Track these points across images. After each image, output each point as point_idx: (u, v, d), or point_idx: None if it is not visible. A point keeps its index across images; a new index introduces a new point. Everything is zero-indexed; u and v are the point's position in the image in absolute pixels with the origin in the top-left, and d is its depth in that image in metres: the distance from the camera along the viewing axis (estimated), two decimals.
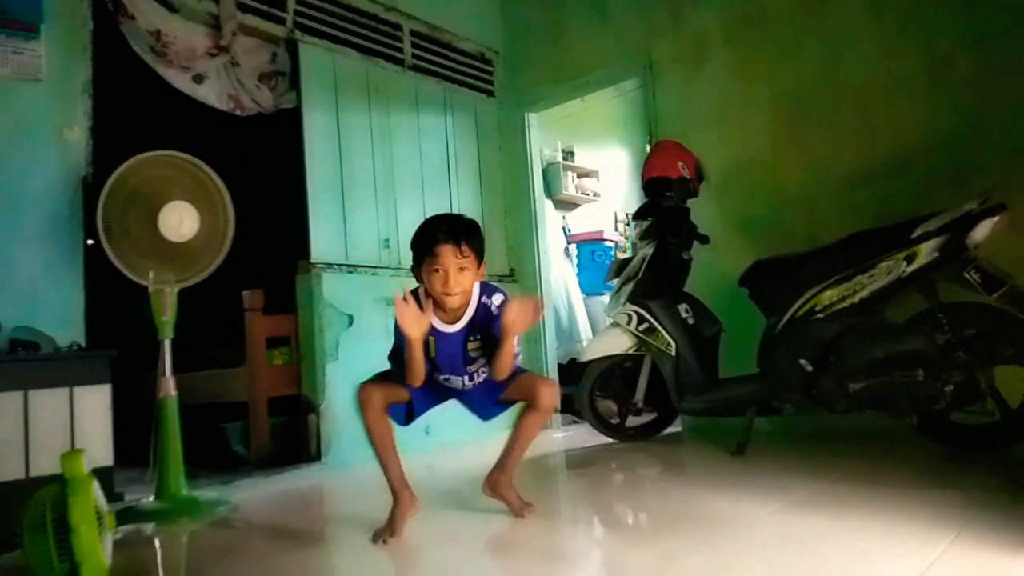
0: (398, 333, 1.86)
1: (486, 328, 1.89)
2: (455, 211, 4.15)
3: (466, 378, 2.01)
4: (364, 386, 1.96)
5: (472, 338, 1.92)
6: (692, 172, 3.27)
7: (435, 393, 2.06)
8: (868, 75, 3.23)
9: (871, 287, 2.53)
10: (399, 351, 1.90)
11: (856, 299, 2.56)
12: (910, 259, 2.45)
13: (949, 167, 2.95)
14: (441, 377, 2.02)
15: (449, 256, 1.80)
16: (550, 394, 1.95)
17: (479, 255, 1.87)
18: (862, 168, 3.21)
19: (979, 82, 2.92)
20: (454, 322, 1.92)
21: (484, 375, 2.01)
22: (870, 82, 3.22)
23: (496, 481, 2.03)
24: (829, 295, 2.62)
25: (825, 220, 3.21)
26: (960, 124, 2.96)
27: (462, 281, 1.82)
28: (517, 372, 1.99)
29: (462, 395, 2.08)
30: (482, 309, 1.90)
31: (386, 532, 1.89)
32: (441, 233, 1.82)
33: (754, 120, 3.56)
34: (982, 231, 2.35)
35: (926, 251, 2.42)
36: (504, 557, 1.70)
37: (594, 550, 1.85)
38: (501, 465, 2.04)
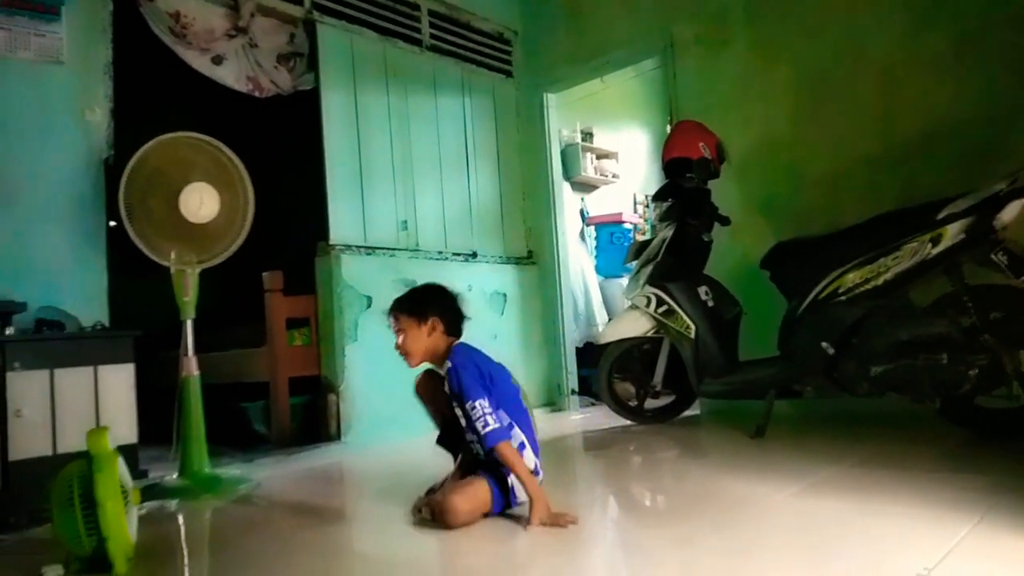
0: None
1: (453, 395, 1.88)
2: (473, 193, 4.25)
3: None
4: None
5: (455, 402, 1.90)
6: (713, 152, 3.23)
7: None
8: (894, 53, 3.16)
9: (895, 269, 2.49)
10: None
11: (880, 281, 2.53)
12: (935, 241, 2.41)
13: (976, 147, 2.89)
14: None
15: (393, 323, 1.99)
16: (443, 509, 1.80)
17: (415, 314, 1.94)
18: (886, 149, 3.15)
19: (1010, 60, 2.85)
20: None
21: (470, 436, 1.93)
22: (896, 61, 3.15)
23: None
24: (852, 277, 2.59)
25: (848, 201, 3.16)
26: (989, 103, 2.90)
27: (404, 340, 1.94)
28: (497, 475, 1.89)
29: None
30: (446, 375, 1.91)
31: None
32: (390, 307, 2.02)
33: (776, 100, 3.51)
34: (1010, 212, 2.30)
35: (952, 233, 2.38)
36: (520, 537, 1.71)
37: (610, 531, 1.86)
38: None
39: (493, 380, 1.89)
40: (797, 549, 1.49)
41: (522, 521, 1.79)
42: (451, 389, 1.87)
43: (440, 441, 2.10)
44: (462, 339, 2.00)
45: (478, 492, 1.84)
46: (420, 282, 3.65)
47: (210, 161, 2.65)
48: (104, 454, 1.65)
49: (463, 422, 1.89)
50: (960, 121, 2.96)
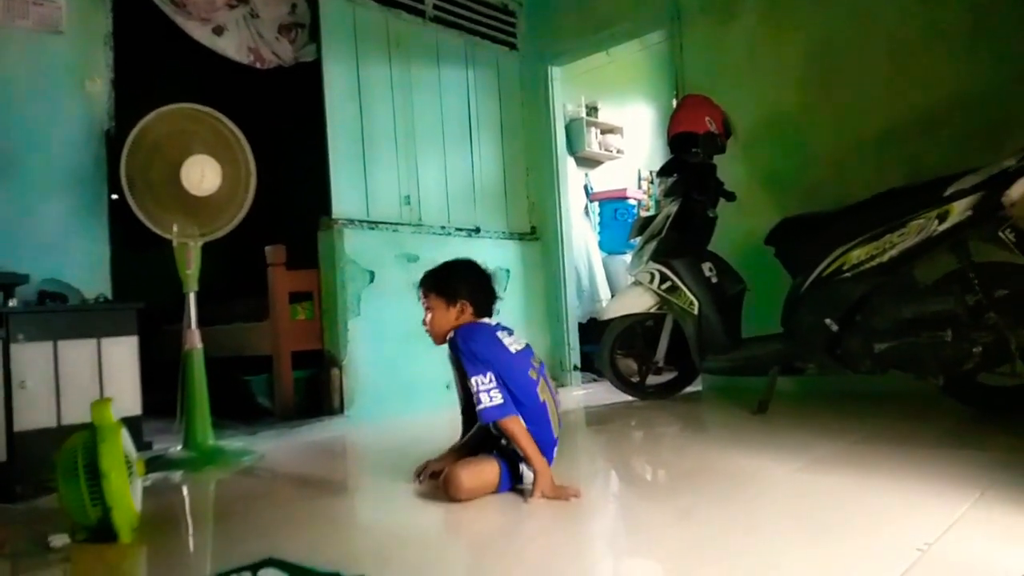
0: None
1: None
2: (476, 168, 4.22)
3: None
4: None
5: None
6: (719, 127, 3.20)
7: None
8: (904, 26, 3.11)
9: (901, 246, 2.48)
10: None
11: (885, 258, 2.51)
12: (942, 218, 2.39)
13: (986, 123, 2.86)
14: None
15: (422, 300, 1.99)
16: (448, 481, 1.82)
17: (444, 294, 1.94)
18: (895, 123, 3.12)
19: (1023, 35, 2.81)
20: None
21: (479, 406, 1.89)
22: (906, 34, 3.11)
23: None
24: (857, 254, 2.57)
25: (855, 177, 3.13)
26: (1000, 78, 2.86)
27: (430, 319, 1.96)
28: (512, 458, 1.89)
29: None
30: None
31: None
32: (420, 280, 2.02)
33: (784, 74, 3.47)
34: (1019, 189, 2.27)
35: (959, 210, 2.35)
36: (522, 510, 1.72)
37: (611, 504, 1.87)
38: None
39: (491, 364, 1.82)
40: (797, 523, 1.50)
41: (525, 494, 1.80)
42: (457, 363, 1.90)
43: (463, 412, 2.09)
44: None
45: (485, 471, 1.84)
46: (422, 258, 3.69)
47: (211, 133, 2.63)
48: (108, 425, 1.66)
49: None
50: (969, 96, 2.92)
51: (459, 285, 1.95)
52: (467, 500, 1.79)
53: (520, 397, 1.85)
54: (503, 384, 1.82)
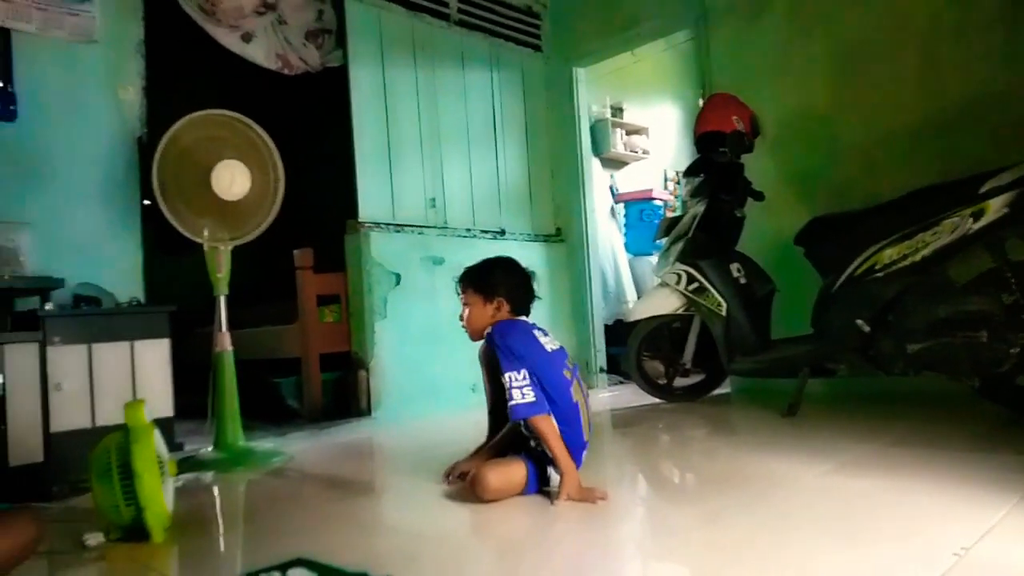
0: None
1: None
2: (501, 170, 4.22)
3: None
4: None
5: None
6: (747, 126, 3.17)
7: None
8: (937, 18, 3.05)
9: (934, 245, 2.43)
10: None
11: (918, 257, 2.47)
12: (977, 216, 2.34)
13: (1022, 118, 2.79)
14: None
15: (460, 293, 2.03)
16: (475, 481, 1.82)
17: (482, 291, 1.97)
18: (927, 119, 3.06)
19: None
20: None
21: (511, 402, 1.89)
22: (939, 26, 3.05)
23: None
24: (890, 253, 2.53)
25: (887, 175, 3.08)
26: None
27: (466, 315, 1.99)
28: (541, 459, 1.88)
29: None
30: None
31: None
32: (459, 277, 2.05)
33: (812, 70, 3.42)
34: None
35: (995, 207, 2.30)
36: (548, 512, 1.72)
37: (638, 508, 1.86)
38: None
39: (525, 361, 1.82)
40: (828, 528, 1.47)
41: (552, 496, 1.79)
42: (492, 358, 1.90)
43: (491, 412, 2.11)
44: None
45: (512, 472, 1.84)
46: (448, 260, 3.70)
47: (241, 139, 2.67)
48: (141, 426, 1.69)
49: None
50: (1005, 90, 2.86)
51: (497, 282, 1.97)
52: (493, 501, 1.79)
53: (554, 395, 1.84)
54: (537, 382, 1.82)
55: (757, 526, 1.52)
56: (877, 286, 2.58)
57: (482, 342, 1.99)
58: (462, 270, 2.05)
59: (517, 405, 1.79)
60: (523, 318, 1.99)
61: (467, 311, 1.99)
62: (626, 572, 1.39)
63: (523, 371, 1.81)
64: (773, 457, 2.14)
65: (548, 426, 1.81)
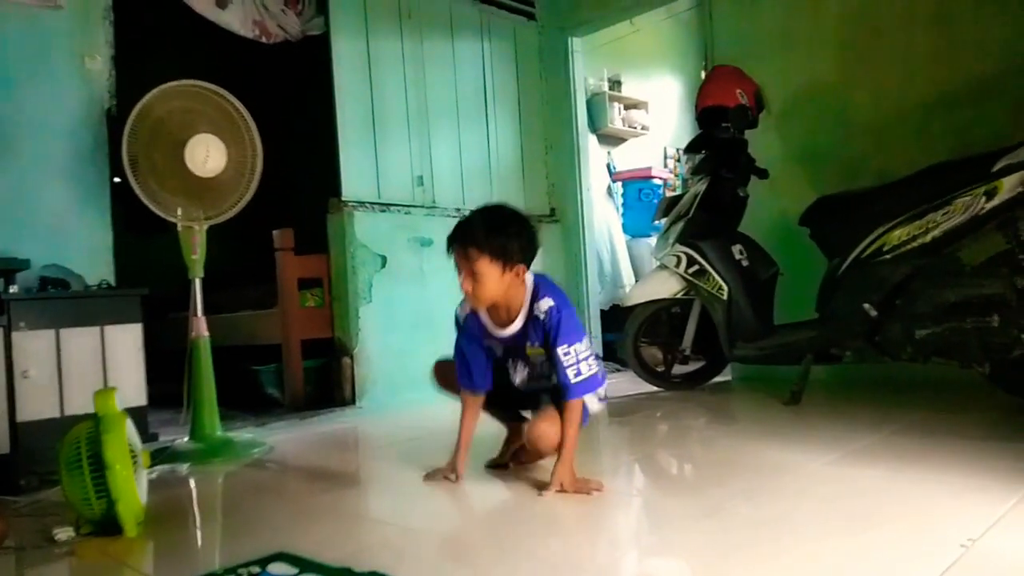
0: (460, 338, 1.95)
1: (541, 335, 1.82)
2: (492, 146, 4.20)
3: (524, 374, 1.96)
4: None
5: (531, 344, 1.86)
6: (751, 100, 3.17)
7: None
8: None
9: (945, 226, 2.44)
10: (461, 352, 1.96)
11: (928, 239, 2.48)
12: (990, 195, 2.34)
13: None
14: (508, 363, 1.99)
15: (458, 259, 1.78)
16: (534, 432, 1.84)
17: (501, 257, 1.74)
18: (940, 94, 3.06)
19: None
20: (507, 324, 1.87)
21: (540, 384, 1.93)
22: None
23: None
24: (899, 234, 2.54)
25: (897, 152, 3.09)
26: None
27: (476, 284, 1.76)
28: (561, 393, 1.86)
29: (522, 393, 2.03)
30: (532, 316, 1.82)
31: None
32: (454, 233, 1.79)
33: (821, 41, 3.41)
34: None
35: (1009, 186, 2.31)
36: (539, 505, 1.73)
37: (635, 500, 1.87)
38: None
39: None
40: (833, 519, 1.49)
41: (543, 485, 1.80)
42: (544, 331, 1.79)
43: (489, 408, 2.07)
44: None
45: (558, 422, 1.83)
46: (436, 241, 3.68)
47: (216, 111, 2.64)
48: (112, 415, 1.69)
49: (521, 374, 1.92)
50: (1021, 64, 2.85)
51: (516, 247, 1.76)
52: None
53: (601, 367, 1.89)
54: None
55: (759, 518, 1.53)
56: (885, 269, 2.59)
57: (465, 310, 1.91)
58: (457, 227, 1.79)
59: (584, 380, 1.76)
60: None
61: (475, 281, 1.75)
62: (622, 566, 1.40)
63: (585, 339, 1.79)
64: (775, 446, 2.16)
65: (580, 412, 1.81)
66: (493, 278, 1.75)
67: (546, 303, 1.79)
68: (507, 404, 2.09)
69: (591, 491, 1.75)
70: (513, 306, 1.84)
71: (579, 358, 1.77)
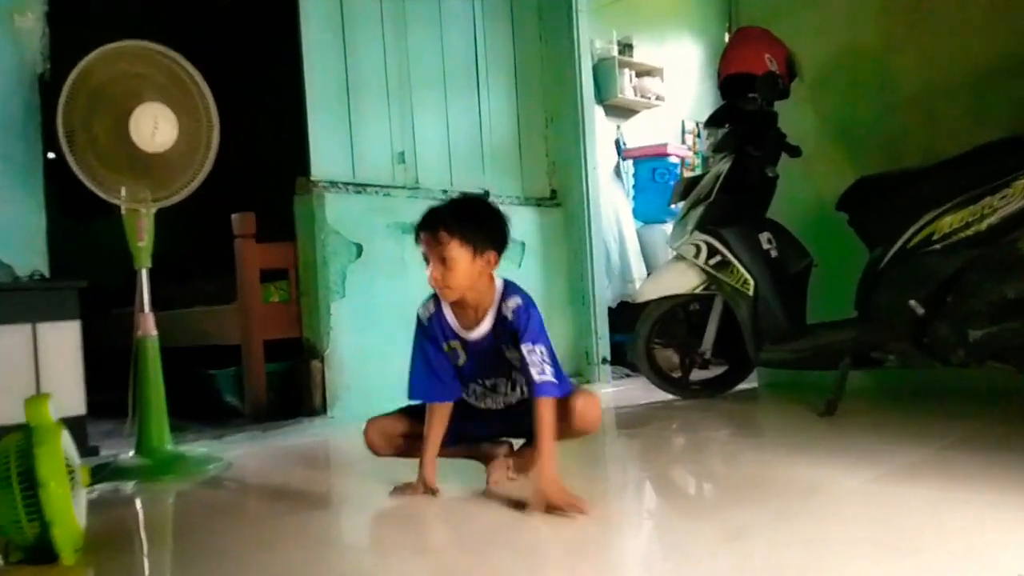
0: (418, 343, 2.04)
1: (508, 337, 1.95)
2: (485, 119, 4.20)
3: (503, 394, 2.06)
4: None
5: (504, 346, 1.98)
6: (782, 67, 3.17)
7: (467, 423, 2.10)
8: None
9: (1003, 211, 2.45)
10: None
11: (983, 226, 2.49)
12: None
13: None
14: (467, 389, 2.08)
15: (429, 244, 1.90)
16: (585, 409, 1.97)
17: (472, 241, 1.88)
18: (997, 60, 3.07)
19: None
20: (475, 325, 1.98)
21: (519, 397, 2.06)
22: None
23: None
24: (950, 221, 2.55)
25: (947, 128, 3.10)
26: None
27: (446, 271, 1.88)
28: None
29: (498, 418, 2.11)
30: (500, 316, 1.95)
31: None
32: (423, 218, 1.93)
33: (861, 1, 3.41)
34: None
35: None
36: (530, 529, 1.73)
37: (645, 523, 1.87)
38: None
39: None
40: (872, 545, 1.49)
41: (526, 506, 1.81)
42: (511, 331, 1.92)
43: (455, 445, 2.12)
44: None
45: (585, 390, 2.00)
46: None
47: (166, 77, 2.63)
48: (46, 425, 1.68)
49: (487, 394, 2.00)
50: None
51: (491, 232, 1.93)
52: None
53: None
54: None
55: (788, 544, 1.53)
56: (934, 260, 2.60)
57: (428, 310, 2.01)
58: (426, 213, 1.93)
59: (548, 383, 1.85)
60: None
61: (445, 269, 1.87)
62: None
63: (548, 343, 1.91)
64: (807, 463, 2.16)
65: (554, 416, 1.86)
66: (464, 263, 1.87)
67: (514, 301, 1.93)
68: (472, 435, 2.13)
69: (577, 511, 1.75)
70: (482, 305, 1.96)
71: (542, 358, 1.88)
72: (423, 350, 2.02)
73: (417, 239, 1.92)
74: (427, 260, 1.91)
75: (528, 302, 1.94)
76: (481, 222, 1.92)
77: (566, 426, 1.95)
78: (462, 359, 2.02)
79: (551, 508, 1.76)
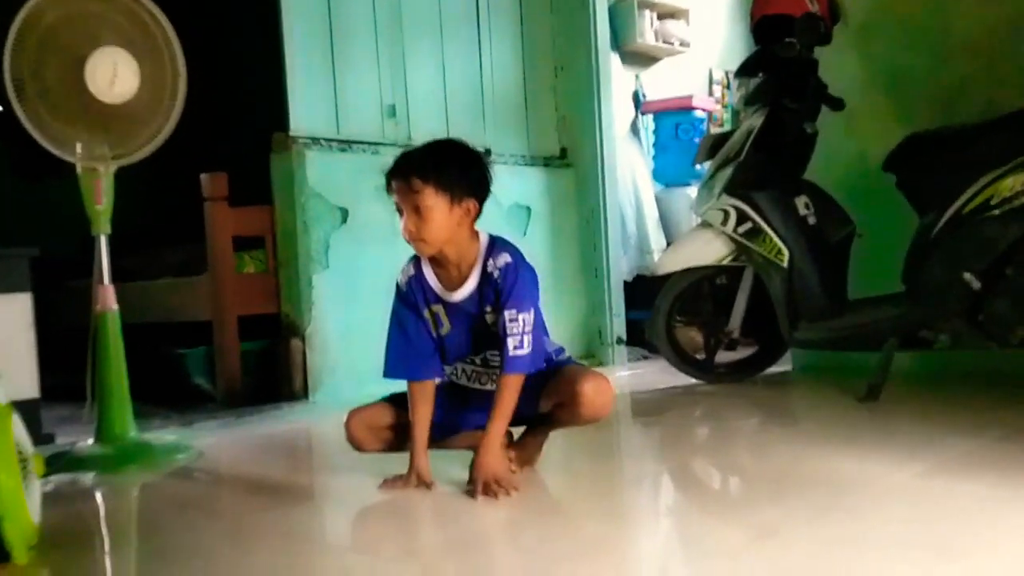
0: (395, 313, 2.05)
1: (493, 298, 1.97)
2: (486, 68, 4.17)
3: (498, 367, 2.02)
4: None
5: (487, 308, 1.99)
6: (823, 8, 3.14)
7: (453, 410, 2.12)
8: None
9: None
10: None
11: None
12: None
13: None
14: (456, 371, 2.10)
15: (401, 192, 1.90)
16: (595, 393, 1.96)
17: (449, 189, 1.88)
18: None
19: None
20: (459, 285, 1.98)
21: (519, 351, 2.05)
22: None
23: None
24: (1011, 183, 2.54)
25: (1011, 78, 3.08)
26: None
27: (421, 222, 1.88)
28: (560, 364, 2.08)
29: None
30: (486, 274, 1.96)
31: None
32: (394, 164, 1.93)
33: None
34: None
35: None
36: (529, 526, 1.74)
37: (663, 520, 1.88)
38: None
39: (537, 302, 1.98)
40: (919, 546, 1.49)
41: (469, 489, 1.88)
42: (496, 291, 1.93)
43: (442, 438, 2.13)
44: None
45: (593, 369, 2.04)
46: None
47: (125, 18, 2.62)
48: None
49: (495, 330, 1.96)
50: None
51: (469, 178, 1.93)
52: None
53: (551, 351, 2.06)
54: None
55: (823, 546, 1.53)
56: (993, 228, 2.60)
57: (407, 273, 2.02)
58: (398, 158, 1.94)
59: (528, 355, 1.90)
60: None
61: (420, 220, 1.87)
62: None
63: (532, 312, 1.93)
64: (847, 455, 2.17)
65: (517, 394, 1.90)
66: (440, 213, 1.88)
67: (503, 259, 1.94)
68: (470, 423, 2.13)
69: (514, 488, 1.85)
70: (465, 261, 1.97)
71: (523, 329, 1.90)
72: (400, 320, 2.03)
73: (389, 188, 1.92)
74: (400, 211, 1.91)
75: (519, 261, 1.95)
76: (459, 167, 1.92)
77: (573, 412, 1.96)
78: (446, 327, 2.01)
79: (488, 487, 1.84)
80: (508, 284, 1.91)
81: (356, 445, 2.12)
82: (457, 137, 2.05)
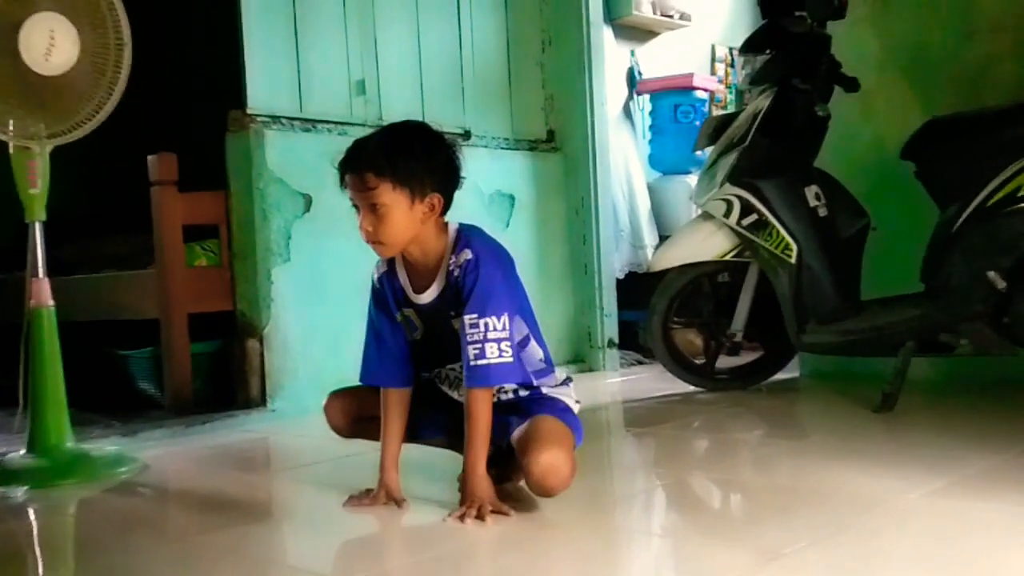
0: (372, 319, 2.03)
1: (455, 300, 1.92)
2: (465, 42, 4.17)
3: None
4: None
5: (451, 312, 1.93)
6: None
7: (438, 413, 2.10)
8: None
9: None
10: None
11: None
12: None
13: None
14: (440, 376, 2.08)
15: (355, 188, 1.85)
16: (543, 475, 1.82)
17: (408, 183, 1.82)
18: None
19: None
20: (429, 286, 1.95)
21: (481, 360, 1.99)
22: None
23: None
24: None
25: None
26: None
27: (379, 225, 1.83)
28: (536, 401, 2.01)
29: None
30: (450, 273, 1.92)
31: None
32: (346, 155, 1.88)
33: None
34: None
35: None
36: (515, 546, 1.74)
37: (657, 541, 1.89)
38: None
39: (514, 304, 1.91)
40: (937, 569, 1.51)
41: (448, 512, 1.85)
42: (458, 288, 1.88)
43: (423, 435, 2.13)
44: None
45: (564, 433, 1.91)
46: None
47: None
48: None
49: (456, 364, 1.95)
50: None
51: (430, 169, 1.85)
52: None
53: (547, 356, 2.04)
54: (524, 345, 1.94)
55: (833, 569, 1.54)
56: (1020, 222, 2.62)
57: (380, 270, 2.00)
58: (350, 149, 1.88)
59: (493, 365, 1.82)
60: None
61: (377, 221, 1.82)
62: None
63: (504, 316, 1.85)
64: (858, 471, 2.18)
65: (489, 407, 1.87)
66: (400, 212, 1.82)
67: (464, 255, 1.88)
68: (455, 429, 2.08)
69: (506, 512, 1.82)
70: (432, 260, 1.93)
71: (485, 335, 1.83)
72: (373, 323, 2.02)
73: (342, 182, 1.87)
74: (357, 208, 1.87)
75: (485, 256, 1.89)
76: (421, 157, 1.85)
77: (522, 477, 1.91)
78: (419, 332, 2.00)
79: (481, 513, 1.81)
80: (468, 284, 1.86)
81: (335, 429, 2.14)
82: (420, 119, 1.99)
